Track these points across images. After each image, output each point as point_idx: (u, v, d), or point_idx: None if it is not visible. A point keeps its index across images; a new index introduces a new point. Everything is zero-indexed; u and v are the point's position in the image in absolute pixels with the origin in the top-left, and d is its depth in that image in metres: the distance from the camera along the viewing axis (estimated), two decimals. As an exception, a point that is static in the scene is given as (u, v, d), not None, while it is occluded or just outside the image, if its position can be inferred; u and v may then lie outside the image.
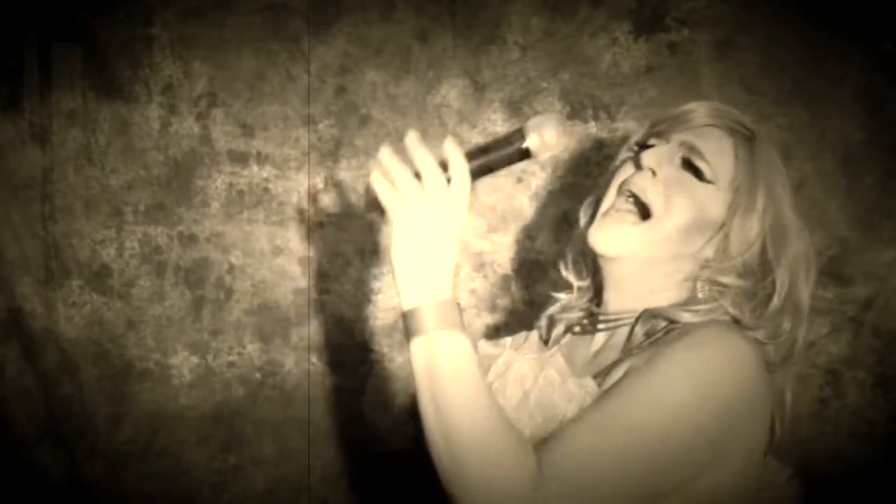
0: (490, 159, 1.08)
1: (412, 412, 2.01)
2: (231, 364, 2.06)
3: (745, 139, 1.21)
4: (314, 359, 2.05)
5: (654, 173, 1.19)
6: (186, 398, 2.06)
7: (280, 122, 2.02)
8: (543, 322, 1.36)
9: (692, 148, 1.19)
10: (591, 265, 1.30)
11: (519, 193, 1.98)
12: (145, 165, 2.04)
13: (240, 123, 2.03)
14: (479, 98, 1.99)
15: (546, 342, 1.34)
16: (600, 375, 1.14)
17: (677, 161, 1.20)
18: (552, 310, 1.35)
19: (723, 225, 1.18)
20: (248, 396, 2.07)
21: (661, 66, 1.94)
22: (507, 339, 1.36)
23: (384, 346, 2.03)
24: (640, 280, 1.21)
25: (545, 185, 1.97)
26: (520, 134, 1.09)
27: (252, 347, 2.06)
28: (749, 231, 1.17)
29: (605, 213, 1.23)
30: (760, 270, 1.17)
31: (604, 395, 1.07)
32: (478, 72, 1.98)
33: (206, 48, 2.02)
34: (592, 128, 1.96)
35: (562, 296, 1.35)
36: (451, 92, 1.99)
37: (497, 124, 1.99)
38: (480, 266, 2.00)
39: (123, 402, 2.06)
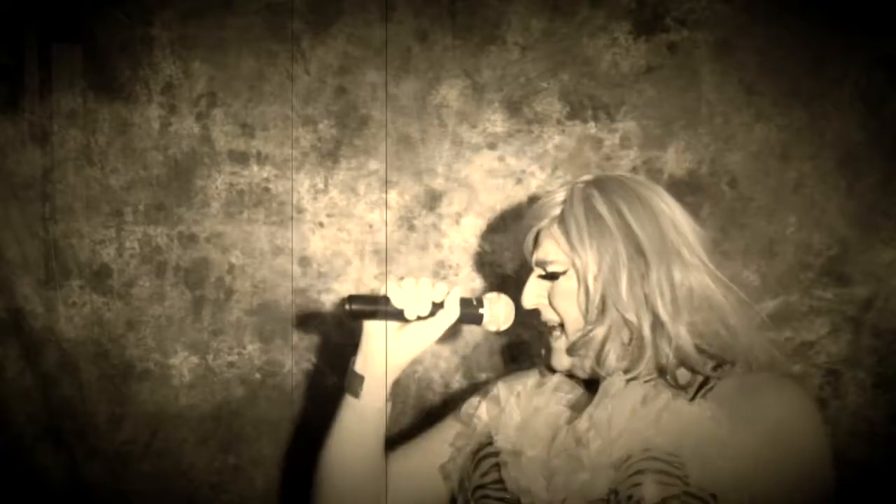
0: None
1: (410, 412, 2.01)
2: (231, 364, 2.06)
3: (559, 215, 1.43)
4: (314, 358, 2.05)
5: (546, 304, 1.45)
6: (186, 398, 2.07)
7: (280, 122, 2.02)
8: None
9: (538, 264, 1.46)
10: None
11: (518, 193, 1.98)
12: (145, 165, 2.04)
13: (240, 123, 2.03)
14: (478, 98, 1.99)
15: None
16: None
17: (542, 279, 1.45)
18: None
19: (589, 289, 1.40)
20: (248, 396, 2.07)
21: (661, 66, 1.94)
22: (500, 389, 1.52)
23: (384, 346, 2.03)
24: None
25: (545, 185, 1.97)
26: (479, 303, 1.44)
27: (252, 347, 2.06)
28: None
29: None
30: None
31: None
32: (477, 72, 1.98)
33: (206, 48, 2.02)
34: (592, 128, 1.96)
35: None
36: (451, 92, 1.99)
37: (497, 124, 1.99)
38: (480, 266, 2.00)
39: (123, 402, 2.06)
